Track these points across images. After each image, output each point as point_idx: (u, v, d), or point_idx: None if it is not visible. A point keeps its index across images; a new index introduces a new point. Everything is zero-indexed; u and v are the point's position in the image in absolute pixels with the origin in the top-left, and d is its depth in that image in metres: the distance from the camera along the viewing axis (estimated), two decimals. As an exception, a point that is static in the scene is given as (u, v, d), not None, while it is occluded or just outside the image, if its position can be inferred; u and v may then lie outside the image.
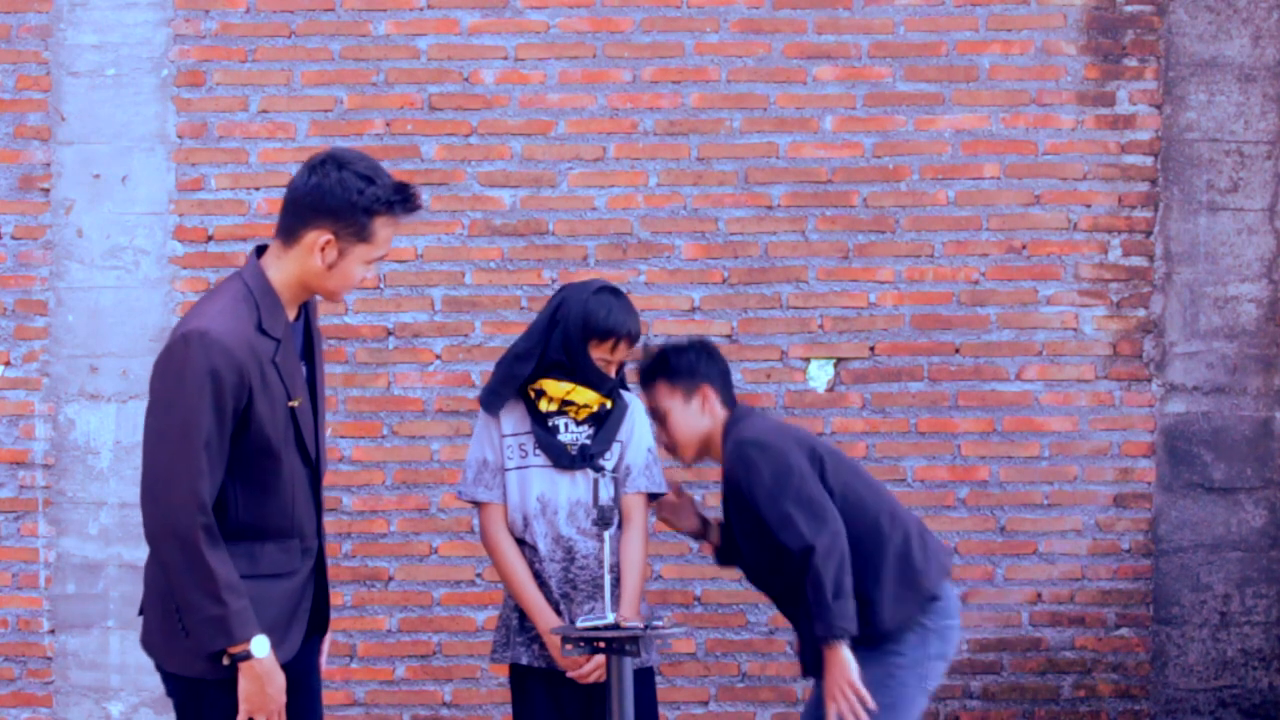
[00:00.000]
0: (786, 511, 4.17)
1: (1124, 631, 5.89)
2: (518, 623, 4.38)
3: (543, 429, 4.36)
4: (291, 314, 3.72)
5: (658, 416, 4.41)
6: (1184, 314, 5.86)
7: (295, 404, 3.67)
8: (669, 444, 4.43)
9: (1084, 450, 5.86)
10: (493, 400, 4.41)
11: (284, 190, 3.69)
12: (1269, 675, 5.88)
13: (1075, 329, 5.86)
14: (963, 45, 5.84)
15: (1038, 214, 5.86)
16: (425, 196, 5.84)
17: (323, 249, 3.62)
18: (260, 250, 3.71)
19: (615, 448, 4.40)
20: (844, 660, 4.15)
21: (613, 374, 4.37)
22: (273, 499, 3.65)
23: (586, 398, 4.34)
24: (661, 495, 4.48)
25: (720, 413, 4.43)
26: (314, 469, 3.75)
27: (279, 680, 3.59)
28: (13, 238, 5.84)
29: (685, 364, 4.40)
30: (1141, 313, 5.87)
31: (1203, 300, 5.85)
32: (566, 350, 4.34)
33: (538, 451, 4.37)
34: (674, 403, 4.38)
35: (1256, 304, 5.86)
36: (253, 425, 3.59)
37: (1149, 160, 5.85)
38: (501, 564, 4.40)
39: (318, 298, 3.79)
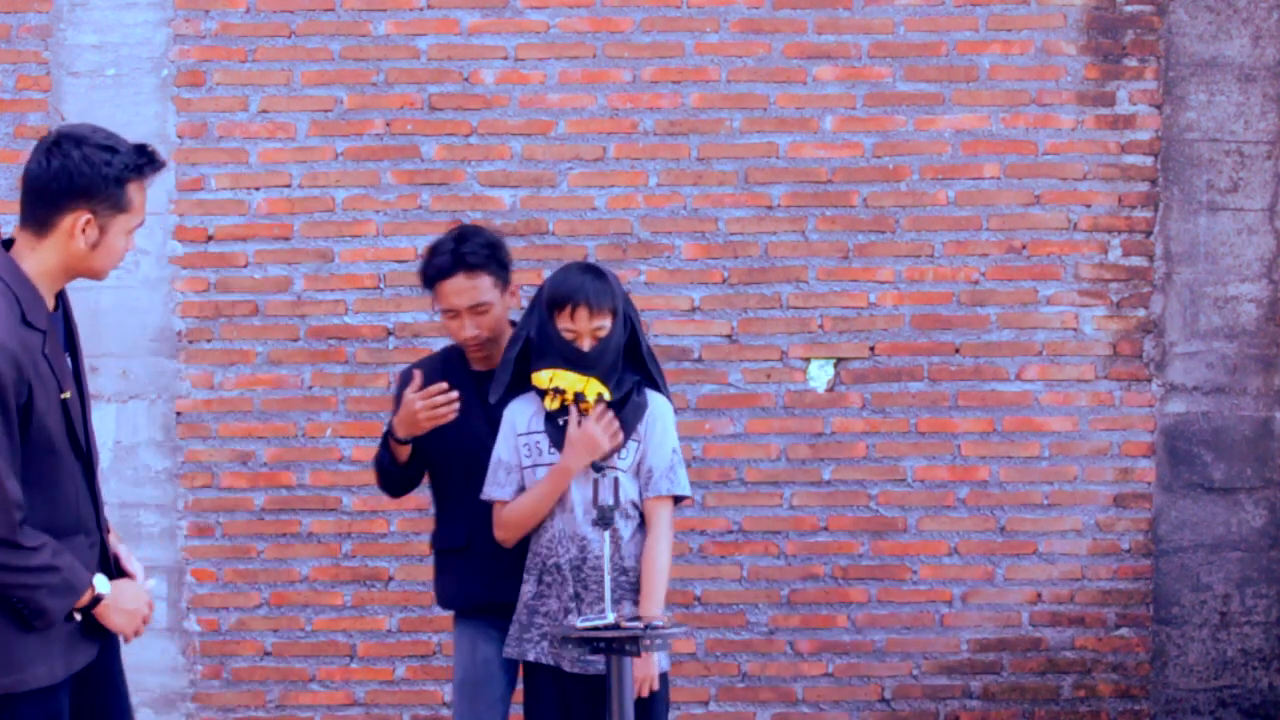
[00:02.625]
0: None
1: (1124, 631, 5.89)
2: (528, 619, 4.37)
3: (555, 427, 4.34)
4: (50, 304, 3.63)
5: (478, 309, 4.49)
6: (1184, 314, 5.86)
7: (66, 396, 3.59)
8: (472, 339, 4.51)
9: (1084, 450, 5.86)
10: (493, 387, 4.40)
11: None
12: (1269, 675, 5.88)
13: (1075, 329, 5.86)
14: (963, 45, 5.85)
15: (1038, 214, 5.86)
16: (425, 196, 5.85)
17: (84, 230, 3.56)
18: (6, 244, 3.62)
19: (632, 446, 4.37)
20: None
21: (584, 346, 4.27)
22: (59, 496, 3.59)
23: (568, 381, 4.26)
24: (685, 498, 4.45)
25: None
26: (86, 462, 3.68)
27: (131, 592, 3.68)
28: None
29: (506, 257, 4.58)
30: (1141, 313, 5.87)
31: (1203, 300, 5.86)
32: (540, 327, 4.31)
33: (552, 450, 4.35)
34: (501, 298, 4.54)
35: (1256, 304, 5.86)
36: (34, 421, 3.51)
37: (1149, 160, 5.85)
38: (522, 509, 4.34)
39: (68, 288, 3.72)
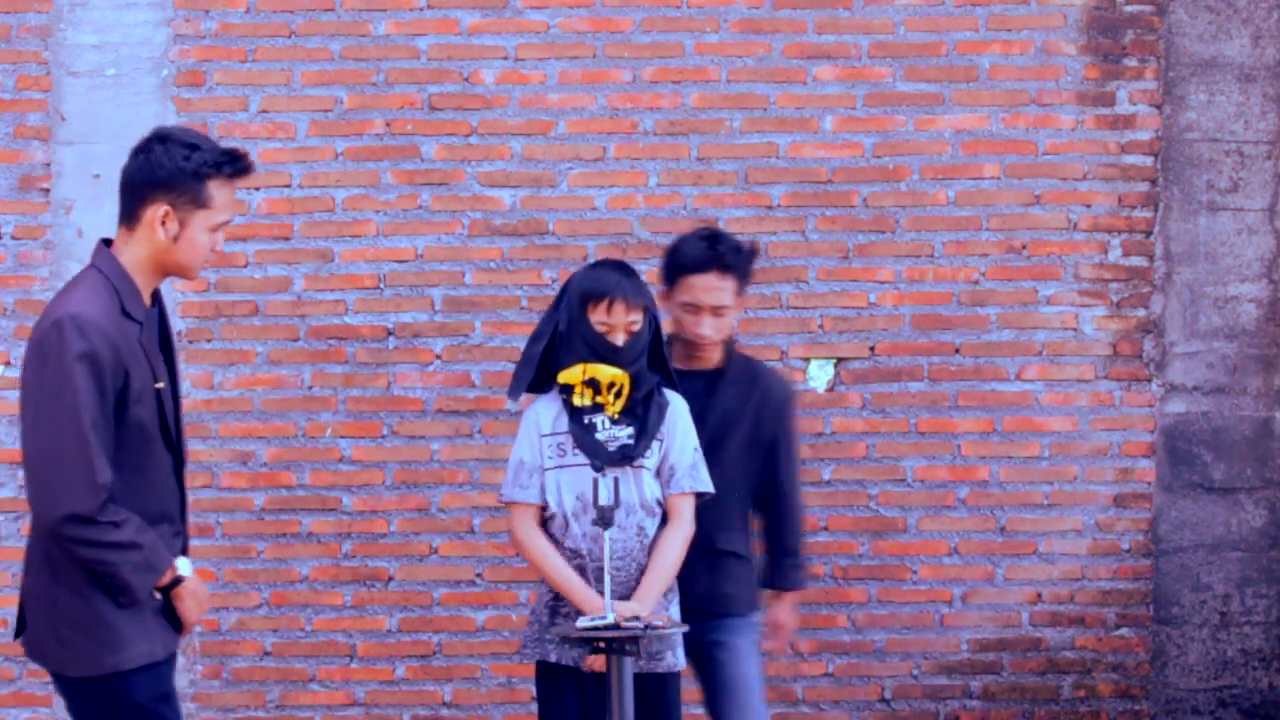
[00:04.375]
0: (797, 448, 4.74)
1: (1124, 631, 5.89)
2: (549, 620, 4.37)
3: (579, 427, 4.34)
4: (147, 299, 3.77)
5: (719, 310, 4.57)
6: (1184, 314, 5.86)
7: (160, 386, 3.72)
8: (706, 338, 4.59)
9: (1084, 450, 5.86)
10: (514, 385, 4.39)
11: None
12: (1269, 675, 5.88)
13: (1075, 329, 5.86)
14: (963, 45, 5.85)
15: (1038, 214, 5.86)
16: (425, 196, 5.85)
17: (163, 222, 3.69)
18: (108, 242, 3.77)
19: (655, 446, 4.38)
20: (794, 608, 4.84)
21: (618, 341, 4.31)
22: (148, 484, 3.71)
23: (604, 373, 4.29)
24: (706, 495, 4.46)
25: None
26: (177, 455, 3.81)
27: (204, 589, 3.84)
28: (13, 238, 5.84)
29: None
30: (1141, 313, 5.87)
31: (1203, 300, 5.85)
32: (570, 321, 4.33)
33: (576, 451, 4.35)
34: (735, 303, 4.61)
35: (1256, 304, 5.86)
36: (129, 409, 3.64)
37: (1149, 160, 5.85)
38: (536, 558, 4.35)
39: (163, 291, 3.86)
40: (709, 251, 4.54)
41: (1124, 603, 5.88)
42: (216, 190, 3.70)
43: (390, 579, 5.87)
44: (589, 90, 5.84)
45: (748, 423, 4.65)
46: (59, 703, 5.85)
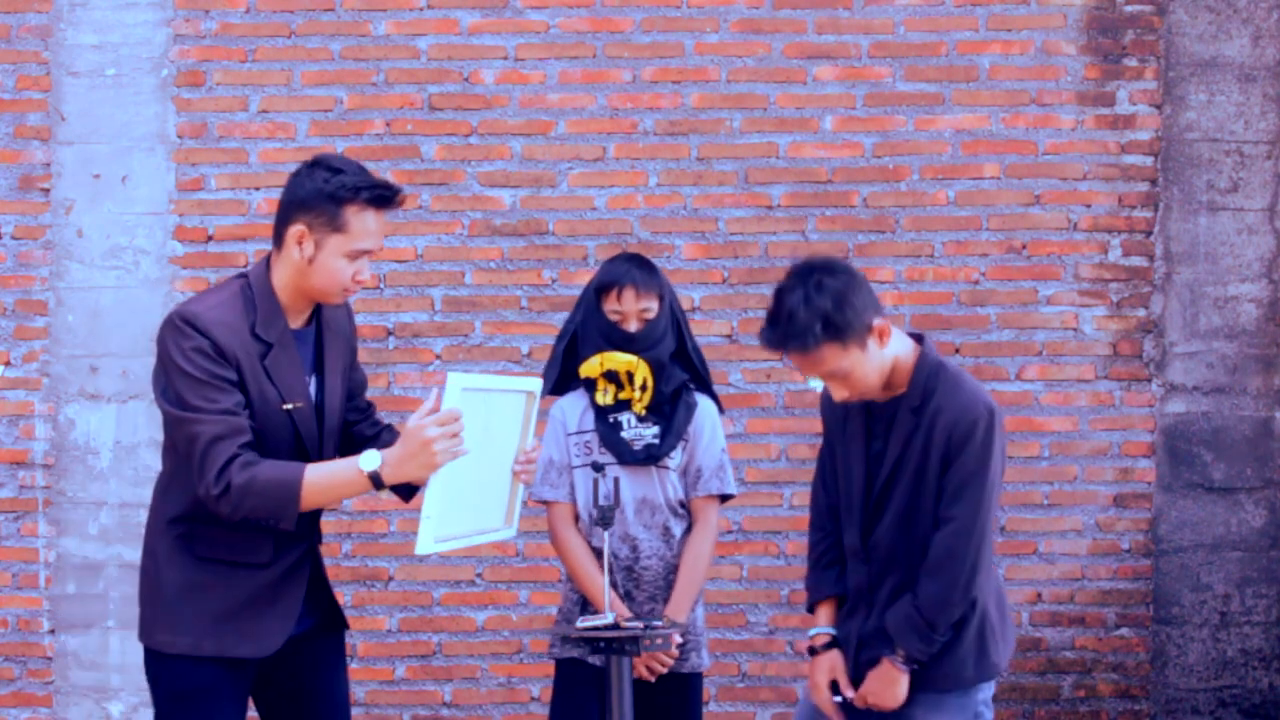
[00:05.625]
0: (980, 486, 3.76)
1: (1124, 631, 5.89)
2: (579, 618, 4.37)
3: (605, 425, 4.36)
4: (296, 320, 3.80)
5: (836, 377, 3.79)
6: (1184, 314, 5.86)
7: (290, 407, 3.73)
8: (853, 399, 3.84)
9: (1084, 450, 5.86)
10: (543, 383, 4.41)
11: (279, 190, 3.76)
12: (1269, 675, 5.88)
13: (1075, 329, 5.86)
14: (963, 45, 5.85)
15: (1038, 214, 5.86)
16: (425, 196, 5.85)
17: (300, 242, 3.71)
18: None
19: (680, 446, 4.39)
20: (903, 684, 3.81)
21: (631, 328, 4.34)
22: None
23: (620, 361, 4.31)
24: (732, 496, 4.47)
25: (898, 337, 3.88)
26: None
27: (416, 442, 3.60)
28: (13, 238, 5.84)
29: (850, 317, 3.74)
30: (1141, 313, 5.87)
31: (1203, 300, 5.86)
32: (586, 314, 4.38)
33: (603, 449, 4.36)
34: (853, 359, 3.77)
35: (1256, 304, 5.86)
36: (253, 419, 3.67)
37: (1149, 160, 5.85)
38: (569, 559, 4.39)
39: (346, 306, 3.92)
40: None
41: (1124, 603, 5.88)
42: (354, 216, 3.69)
43: (390, 579, 5.87)
44: (589, 90, 5.84)
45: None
46: (59, 702, 5.85)
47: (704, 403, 4.47)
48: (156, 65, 5.84)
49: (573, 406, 4.42)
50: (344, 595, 5.84)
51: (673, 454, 4.38)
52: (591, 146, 5.84)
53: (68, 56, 5.82)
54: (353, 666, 5.85)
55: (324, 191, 3.68)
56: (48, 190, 5.83)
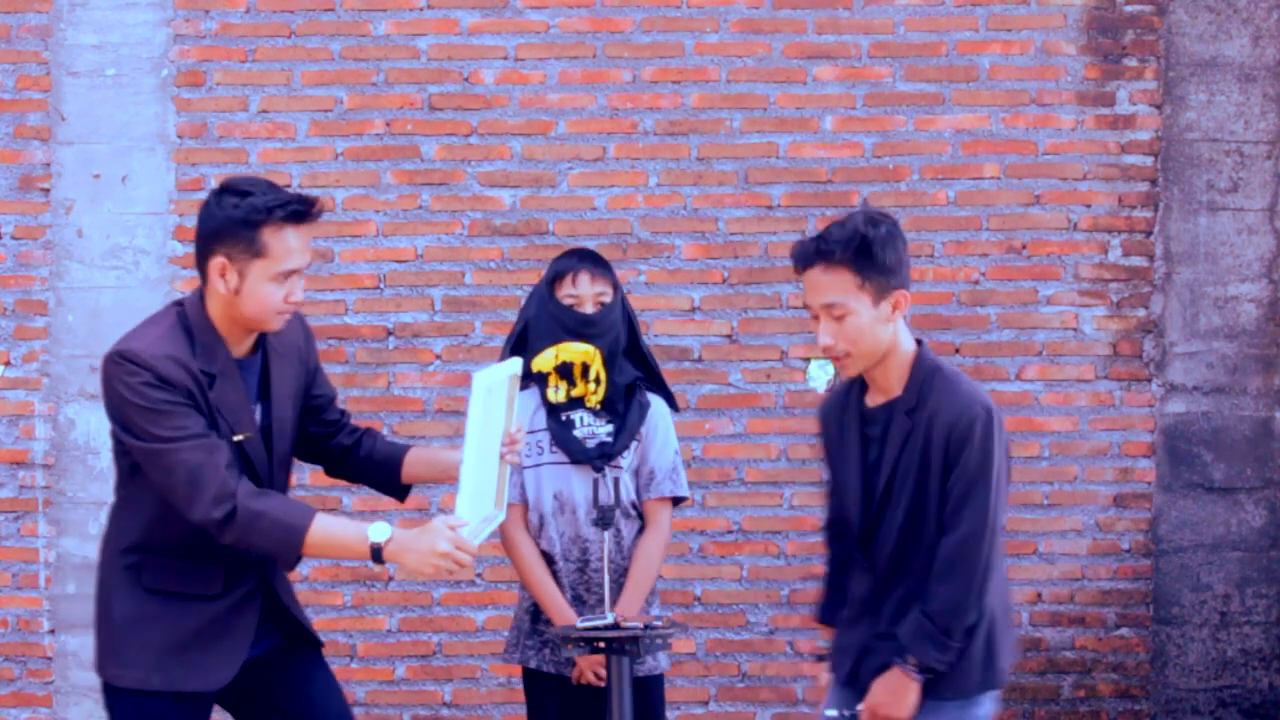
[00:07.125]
0: (985, 487, 3.62)
1: (1124, 631, 5.89)
2: (529, 625, 4.36)
3: (557, 423, 4.32)
4: (239, 349, 3.68)
5: (834, 313, 3.63)
6: (1184, 314, 5.86)
7: (240, 438, 3.63)
8: (838, 351, 3.67)
9: (1084, 450, 5.86)
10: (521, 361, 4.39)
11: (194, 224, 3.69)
12: (1269, 675, 5.88)
13: (1075, 329, 5.86)
14: (963, 45, 5.84)
15: (1038, 214, 5.86)
16: (425, 196, 5.85)
17: (223, 275, 3.57)
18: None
19: (633, 447, 4.36)
20: (914, 693, 3.66)
21: (586, 309, 4.31)
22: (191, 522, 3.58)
23: (575, 353, 4.26)
24: (684, 499, 4.45)
25: (905, 331, 3.74)
26: None
27: (426, 542, 3.51)
28: (13, 238, 5.84)
29: (884, 259, 3.60)
30: (1141, 313, 5.87)
31: (1203, 300, 5.85)
32: (540, 305, 4.36)
33: (554, 449, 4.33)
34: (860, 303, 3.62)
35: (1256, 304, 5.86)
36: None
37: (1149, 160, 5.85)
38: (519, 563, 4.35)
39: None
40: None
41: (1124, 603, 5.88)
42: (272, 238, 3.53)
43: (390, 579, 5.87)
44: (589, 90, 5.84)
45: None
46: (59, 702, 5.85)
47: (657, 403, 4.43)
48: (156, 65, 5.84)
49: (524, 405, 4.34)
50: (344, 595, 5.84)
51: (625, 453, 4.34)
52: (591, 146, 5.84)
53: (68, 56, 5.82)
54: (353, 666, 5.85)
55: (235, 218, 3.53)
56: (48, 190, 5.83)
